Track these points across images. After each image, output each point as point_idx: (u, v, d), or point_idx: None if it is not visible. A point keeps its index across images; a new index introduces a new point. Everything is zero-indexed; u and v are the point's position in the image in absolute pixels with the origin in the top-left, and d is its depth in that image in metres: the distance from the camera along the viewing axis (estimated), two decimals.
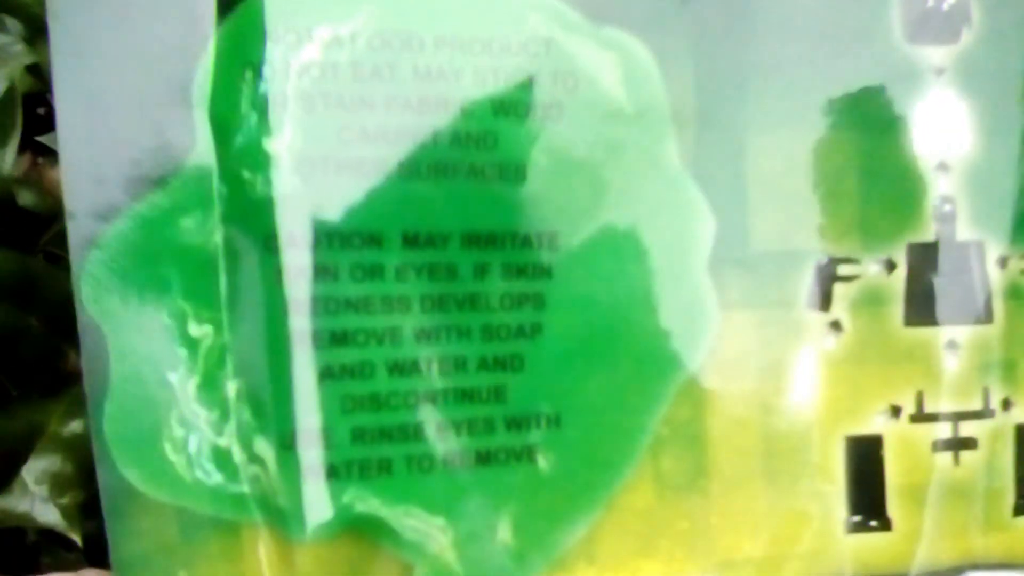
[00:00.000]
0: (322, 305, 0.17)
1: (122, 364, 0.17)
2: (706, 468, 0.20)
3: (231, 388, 0.17)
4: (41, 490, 0.21)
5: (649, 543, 0.19)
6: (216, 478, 0.17)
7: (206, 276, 0.17)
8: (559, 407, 0.19)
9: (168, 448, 0.17)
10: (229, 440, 0.17)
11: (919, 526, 0.21)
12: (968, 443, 0.21)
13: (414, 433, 0.18)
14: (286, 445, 0.17)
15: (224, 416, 0.17)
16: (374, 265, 0.18)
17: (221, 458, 0.17)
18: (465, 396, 0.18)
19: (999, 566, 0.21)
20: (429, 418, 0.18)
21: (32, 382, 0.23)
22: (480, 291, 0.18)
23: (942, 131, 0.21)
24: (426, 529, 0.18)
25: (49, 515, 0.21)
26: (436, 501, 0.18)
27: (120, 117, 0.17)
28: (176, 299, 0.17)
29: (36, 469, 0.21)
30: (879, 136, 0.21)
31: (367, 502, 0.17)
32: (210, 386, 0.17)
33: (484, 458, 0.18)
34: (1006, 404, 0.21)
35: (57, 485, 0.21)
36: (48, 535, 0.22)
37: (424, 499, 0.18)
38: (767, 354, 0.20)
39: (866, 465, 0.21)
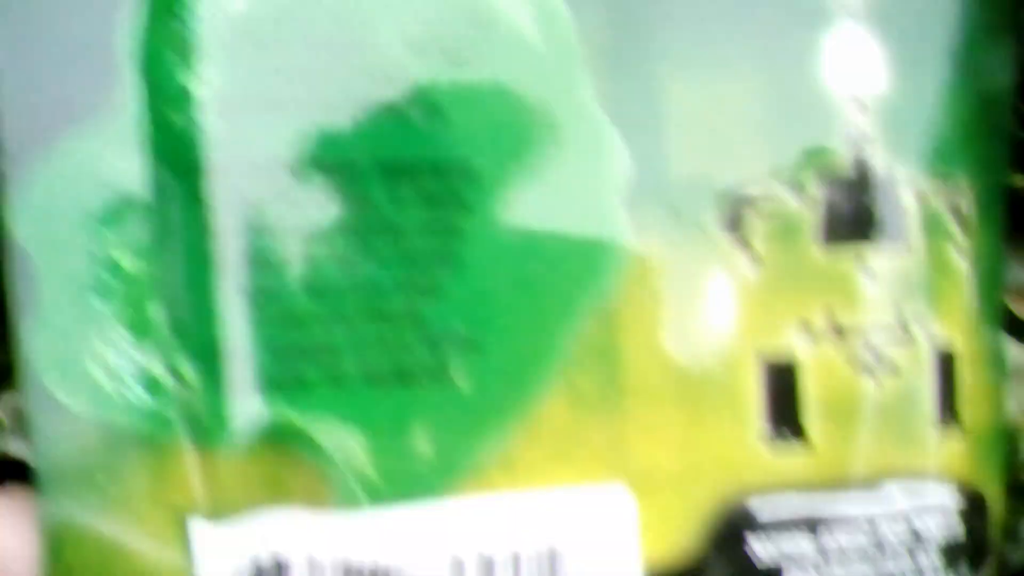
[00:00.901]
0: (242, 231, 0.18)
1: (50, 288, 0.18)
2: (619, 385, 0.21)
3: (155, 312, 0.19)
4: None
5: (565, 454, 0.21)
6: (140, 395, 0.19)
7: (132, 209, 0.19)
8: (476, 331, 0.20)
9: (93, 366, 0.19)
10: (153, 360, 0.19)
11: (836, 443, 0.22)
12: (888, 367, 0.22)
13: (331, 351, 0.19)
14: (207, 362, 0.19)
15: (148, 338, 0.19)
16: (292, 195, 0.19)
17: (145, 377, 0.19)
18: (382, 319, 0.19)
19: (925, 479, 0.22)
20: (346, 337, 0.19)
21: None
22: (397, 220, 0.20)
23: (858, 66, 0.22)
24: (343, 441, 0.19)
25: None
26: (353, 415, 0.19)
27: (49, 56, 0.19)
28: (103, 230, 0.19)
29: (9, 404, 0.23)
30: (793, 70, 0.21)
31: (285, 416, 0.19)
32: (135, 310, 0.19)
33: (401, 376, 0.20)
34: (926, 326, 0.22)
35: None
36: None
37: (341, 413, 0.19)
38: (681, 279, 0.21)
39: (782, 386, 0.22)
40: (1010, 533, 0.28)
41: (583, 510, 0.21)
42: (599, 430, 0.21)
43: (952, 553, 0.22)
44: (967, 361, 0.23)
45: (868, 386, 0.22)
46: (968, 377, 0.23)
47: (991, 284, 0.24)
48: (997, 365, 0.24)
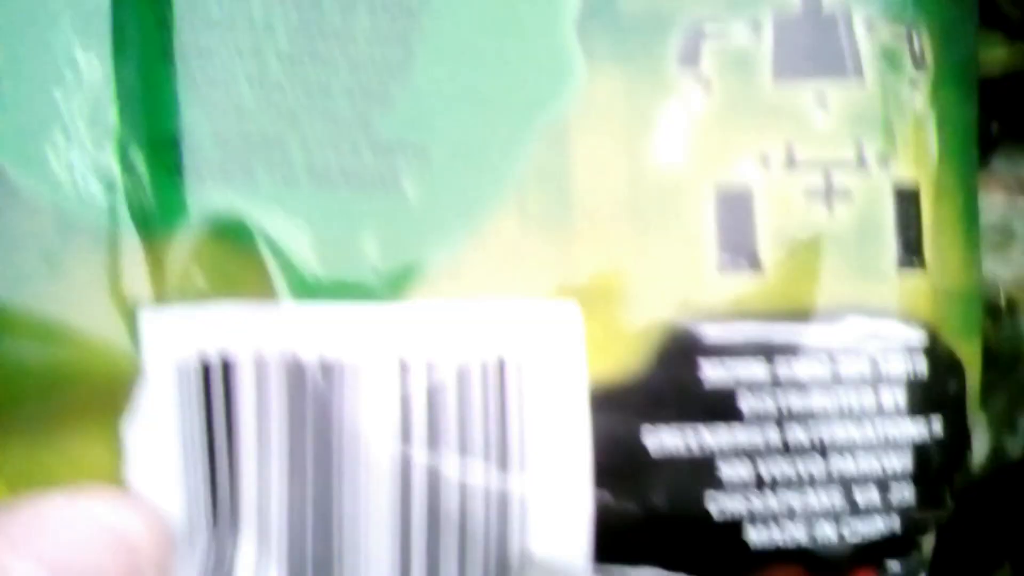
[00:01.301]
0: (190, 23, 0.19)
1: (11, 79, 0.19)
2: (570, 206, 0.21)
3: (112, 106, 0.20)
4: None
5: (513, 267, 0.21)
6: (93, 187, 0.20)
7: (92, 6, 0.20)
8: (426, 140, 0.20)
9: (50, 154, 0.19)
10: (107, 154, 0.20)
11: (792, 272, 0.21)
12: (841, 191, 0.22)
13: (276, 144, 0.20)
14: (159, 153, 0.19)
15: (104, 131, 0.20)
16: None
17: (99, 169, 0.20)
18: (330, 120, 0.20)
19: (885, 315, 0.22)
20: (292, 133, 0.20)
21: None
22: (345, 25, 0.20)
23: None
24: (287, 233, 0.20)
25: None
26: (298, 208, 0.20)
27: None
28: (65, 30, 0.20)
29: None
30: None
31: (230, 204, 0.19)
32: (92, 105, 0.20)
33: (348, 177, 0.20)
34: (883, 160, 0.22)
35: None
36: None
37: (285, 205, 0.20)
38: (635, 108, 0.21)
39: (736, 211, 0.22)
40: (1009, 424, 0.28)
41: (531, 322, 0.21)
42: (549, 248, 0.21)
43: (916, 395, 0.22)
44: (931, 202, 0.23)
45: (822, 214, 0.22)
46: (932, 218, 0.23)
47: (960, 135, 0.24)
48: (968, 216, 0.24)
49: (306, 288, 0.20)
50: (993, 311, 0.27)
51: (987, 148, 0.29)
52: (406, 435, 0.20)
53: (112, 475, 0.20)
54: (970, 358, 0.24)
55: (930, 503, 0.22)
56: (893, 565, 0.22)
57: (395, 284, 0.20)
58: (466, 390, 0.20)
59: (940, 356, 0.23)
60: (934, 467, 0.22)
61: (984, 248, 0.26)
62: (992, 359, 0.27)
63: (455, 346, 0.20)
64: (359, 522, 0.20)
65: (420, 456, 0.20)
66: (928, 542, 0.23)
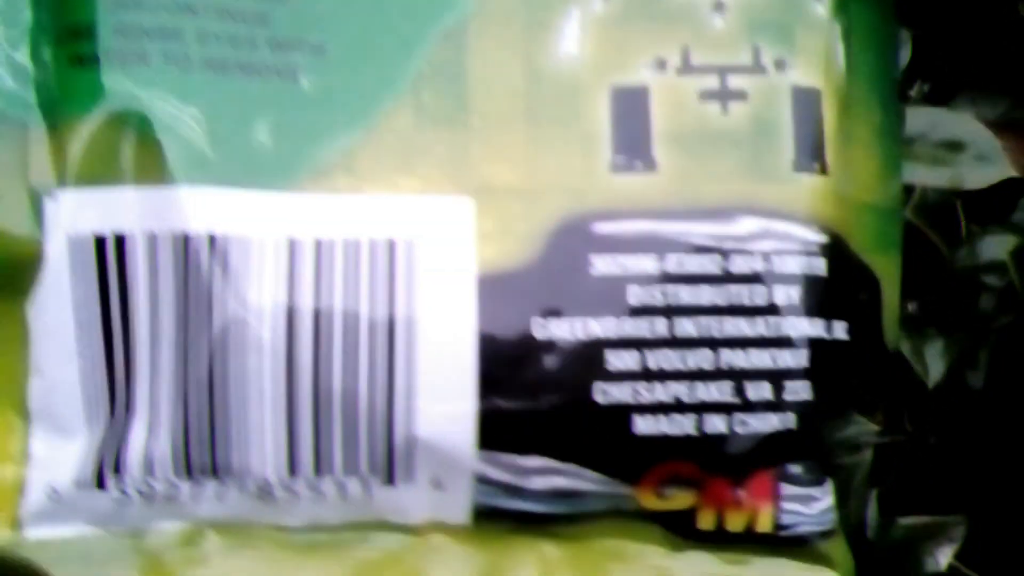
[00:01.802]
0: None
1: None
2: (466, 104, 0.21)
3: (27, 10, 0.21)
4: None
5: (408, 163, 0.21)
6: (8, 83, 0.21)
7: None
8: (324, 37, 0.21)
9: None
10: (22, 51, 0.21)
11: (685, 169, 0.22)
12: (737, 94, 0.22)
13: (173, 35, 0.20)
14: (64, 44, 0.20)
15: (19, 31, 0.21)
16: None
17: (13, 66, 0.21)
18: (227, 15, 0.21)
19: (781, 215, 0.22)
20: (189, 26, 0.21)
21: None
22: None
23: None
24: (180, 116, 0.20)
25: None
26: (192, 94, 0.21)
27: None
28: None
29: None
30: None
31: (129, 93, 0.20)
32: (11, 9, 0.21)
33: (245, 69, 0.21)
34: (780, 64, 0.22)
35: None
36: None
37: (180, 91, 0.21)
38: (534, 10, 0.22)
39: (632, 112, 0.22)
40: (971, 359, 0.27)
41: (424, 215, 0.21)
42: (444, 144, 0.21)
43: (813, 295, 0.22)
44: (837, 111, 0.23)
45: (716, 115, 0.22)
46: (839, 127, 0.23)
47: (874, 50, 0.24)
48: (885, 132, 0.24)
49: (199, 172, 0.21)
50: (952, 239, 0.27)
51: None
52: (292, 313, 0.20)
53: (19, 357, 0.21)
54: (886, 271, 0.24)
55: (831, 405, 0.22)
56: (793, 468, 0.22)
57: (287, 173, 0.21)
58: (354, 270, 0.21)
59: (844, 261, 0.23)
60: (835, 369, 0.22)
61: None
62: (951, 290, 0.27)
63: (345, 228, 0.21)
64: (246, 401, 0.21)
65: (306, 336, 0.21)
66: (838, 455, 0.23)
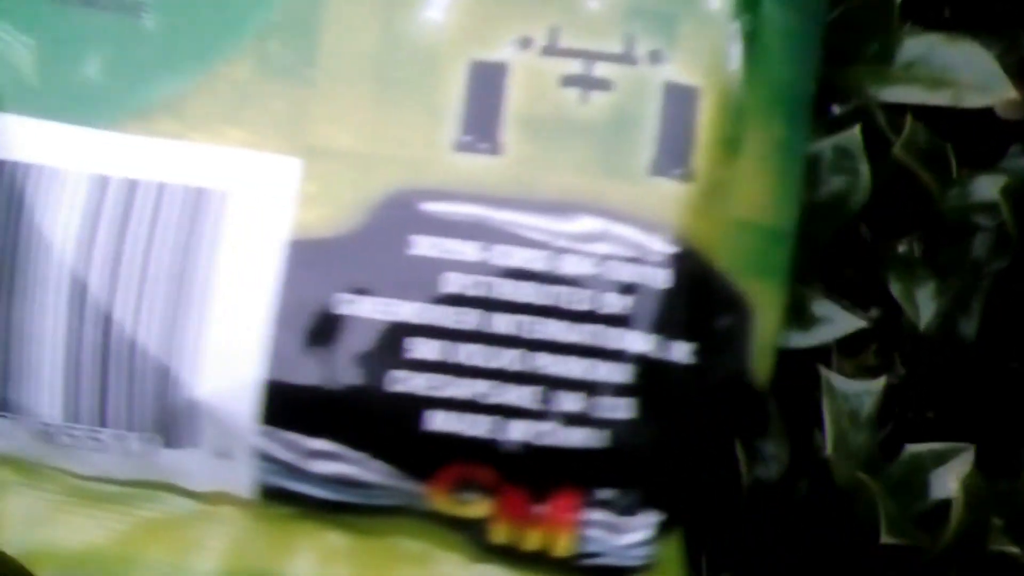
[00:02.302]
0: None
1: None
2: (314, 60, 0.20)
3: None
4: None
5: (240, 114, 0.20)
6: None
7: None
8: None
9: None
10: None
11: (533, 157, 0.20)
12: (601, 83, 0.20)
13: None
14: None
15: None
16: None
17: None
18: None
19: (626, 219, 0.20)
20: None
21: None
22: None
23: None
24: (13, 43, 0.20)
25: None
26: (29, 23, 0.20)
27: None
28: None
29: None
30: None
31: None
32: None
33: (87, 2, 0.20)
34: (655, 57, 0.20)
35: None
36: None
37: (17, 18, 0.20)
38: None
39: (487, 90, 0.20)
40: (963, 305, 0.26)
41: (245, 170, 0.20)
42: (283, 100, 0.20)
43: (650, 309, 0.20)
44: (723, 118, 0.21)
45: (574, 103, 0.20)
46: (723, 136, 0.21)
47: (787, 60, 0.22)
48: (785, 152, 0.22)
49: (22, 100, 0.20)
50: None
51: None
52: (90, 253, 0.20)
53: None
54: (764, 298, 0.22)
55: (661, 431, 0.20)
56: (603, 493, 0.20)
57: (111, 111, 0.20)
58: (159, 216, 0.20)
59: (700, 279, 0.21)
60: (670, 393, 0.20)
61: None
62: (942, 231, 0.26)
63: (158, 172, 0.20)
64: (35, 338, 0.20)
65: (101, 278, 0.20)
66: (665, 491, 0.21)
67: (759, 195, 0.22)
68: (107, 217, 0.20)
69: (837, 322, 0.25)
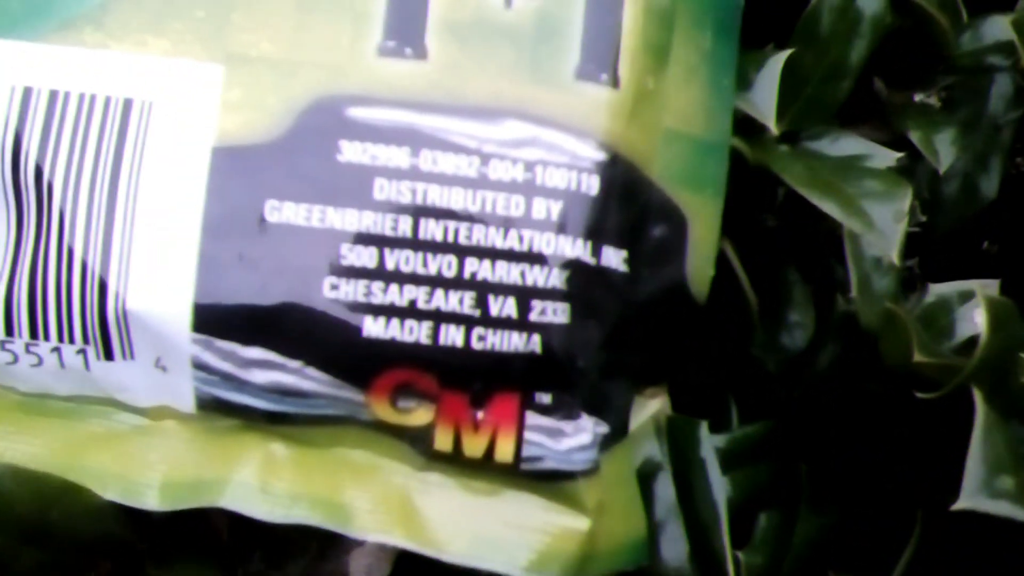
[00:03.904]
0: None
1: None
2: None
3: None
4: None
5: (161, 24, 0.20)
6: None
7: None
8: None
9: None
10: None
11: (458, 63, 0.20)
12: None
13: None
14: None
15: None
16: None
17: None
18: None
19: (554, 125, 0.20)
20: None
21: None
22: None
23: None
24: None
25: None
26: None
27: None
28: None
29: None
30: None
31: None
32: None
33: None
34: None
35: None
36: None
37: None
38: None
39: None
40: (983, 163, 0.27)
41: (168, 78, 0.20)
42: (205, 9, 0.20)
43: (580, 215, 0.20)
44: (651, 28, 0.21)
45: (498, 8, 0.20)
46: (650, 45, 0.21)
47: None
48: (717, 64, 0.22)
49: None
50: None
51: None
52: (17, 162, 0.19)
53: None
54: (700, 211, 0.22)
55: (596, 336, 0.21)
56: (541, 396, 0.21)
57: (34, 23, 0.20)
58: (85, 125, 0.20)
59: (631, 187, 0.21)
60: (602, 298, 0.21)
61: None
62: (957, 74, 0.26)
63: (83, 82, 0.20)
64: None
65: (29, 188, 0.20)
66: (604, 398, 0.22)
67: (690, 106, 0.22)
68: (33, 128, 0.20)
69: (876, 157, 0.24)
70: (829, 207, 0.23)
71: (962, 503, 0.21)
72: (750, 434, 0.25)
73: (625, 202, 0.21)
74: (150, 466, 0.21)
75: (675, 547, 0.23)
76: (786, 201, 0.26)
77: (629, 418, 0.23)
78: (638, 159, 0.21)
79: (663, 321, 0.22)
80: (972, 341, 0.23)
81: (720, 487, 0.23)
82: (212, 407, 0.21)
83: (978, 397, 0.22)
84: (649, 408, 0.24)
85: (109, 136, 0.20)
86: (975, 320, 0.24)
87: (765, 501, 0.25)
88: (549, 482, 0.21)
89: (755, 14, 0.23)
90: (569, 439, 0.21)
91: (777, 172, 0.24)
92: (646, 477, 0.23)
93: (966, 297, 0.25)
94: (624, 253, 0.21)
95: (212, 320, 0.20)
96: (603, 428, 0.22)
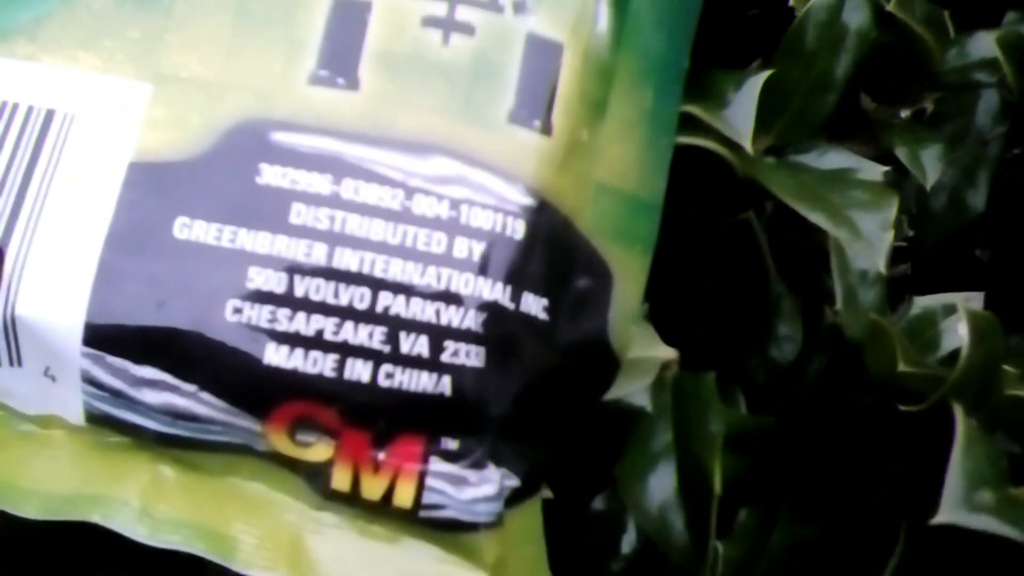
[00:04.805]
0: None
1: None
2: None
3: None
4: None
5: (95, 40, 0.20)
6: None
7: None
8: None
9: None
10: None
11: (388, 94, 0.20)
12: (463, 27, 0.20)
13: None
14: None
15: None
16: None
17: None
18: None
19: (483, 165, 0.20)
20: None
21: None
22: None
23: None
24: None
25: None
26: None
27: None
28: None
29: None
30: None
31: None
32: None
33: None
34: (518, 7, 0.20)
35: None
36: None
37: None
38: None
39: (348, 25, 0.20)
40: (970, 178, 0.27)
41: (92, 93, 0.20)
42: (140, 29, 0.20)
43: (502, 258, 0.20)
44: (586, 77, 0.21)
45: (435, 44, 0.20)
46: (585, 95, 0.21)
47: (660, 32, 0.22)
48: (655, 123, 0.22)
49: None
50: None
51: None
52: None
53: None
54: (627, 267, 0.22)
55: (510, 383, 0.20)
56: (447, 442, 0.20)
57: None
58: (3, 130, 0.19)
59: (557, 236, 0.20)
60: (520, 345, 0.20)
61: None
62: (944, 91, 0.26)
63: (6, 91, 0.20)
64: None
65: None
66: (514, 448, 0.21)
67: (625, 162, 0.22)
68: None
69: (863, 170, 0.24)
70: (816, 217, 0.23)
71: (941, 517, 0.21)
72: (749, 422, 0.25)
73: (550, 250, 0.20)
74: (35, 475, 0.20)
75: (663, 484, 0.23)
76: (774, 214, 0.26)
77: (542, 475, 0.22)
78: (566, 209, 0.21)
79: (581, 375, 0.22)
80: (957, 354, 0.23)
81: (718, 428, 0.23)
82: (102, 422, 0.20)
83: (958, 411, 0.22)
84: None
85: (26, 143, 0.20)
86: (959, 333, 0.24)
87: (748, 496, 0.25)
88: (448, 532, 0.20)
89: (741, 30, 0.23)
90: (473, 489, 0.20)
91: (765, 184, 0.24)
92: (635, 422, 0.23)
93: (951, 310, 0.25)
94: (545, 301, 0.20)
95: (104, 335, 0.19)
96: (512, 481, 0.21)
